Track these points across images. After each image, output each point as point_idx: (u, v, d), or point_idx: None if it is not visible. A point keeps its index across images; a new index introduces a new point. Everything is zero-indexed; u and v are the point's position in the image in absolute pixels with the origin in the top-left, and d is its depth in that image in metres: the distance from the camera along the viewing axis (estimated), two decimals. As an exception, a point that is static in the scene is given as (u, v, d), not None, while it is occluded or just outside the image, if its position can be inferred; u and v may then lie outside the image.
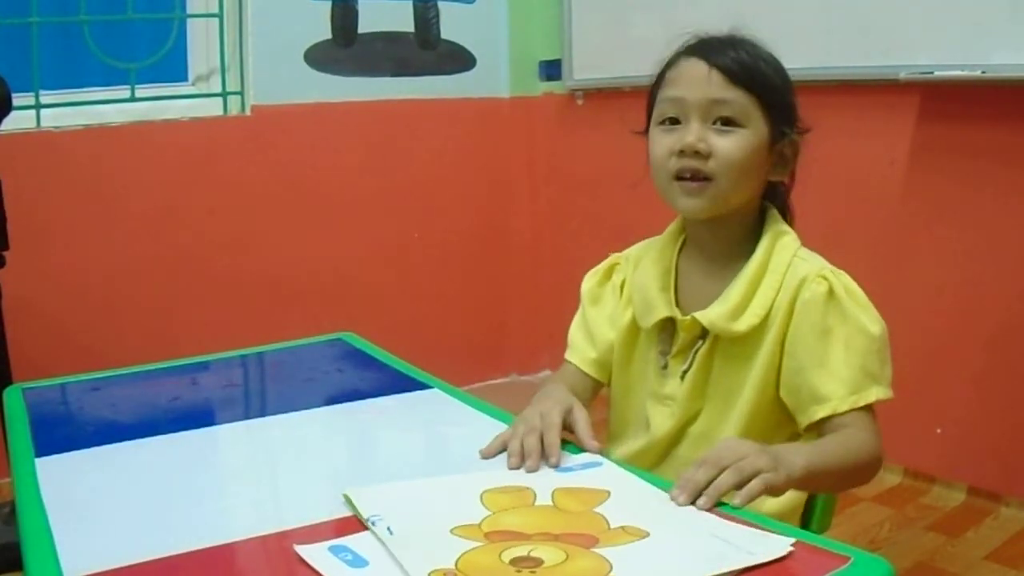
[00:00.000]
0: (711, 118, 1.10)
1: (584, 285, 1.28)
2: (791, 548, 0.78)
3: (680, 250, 1.21)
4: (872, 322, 1.08)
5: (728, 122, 1.10)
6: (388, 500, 0.87)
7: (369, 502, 0.86)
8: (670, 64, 1.16)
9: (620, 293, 1.24)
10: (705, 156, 1.09)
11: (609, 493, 0.91)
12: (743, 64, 1.10)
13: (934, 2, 2.23)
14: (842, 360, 1.06)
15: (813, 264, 1.11)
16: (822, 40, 2.43)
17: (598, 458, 1.00)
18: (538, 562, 0.76)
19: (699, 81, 1.10)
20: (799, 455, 0.96)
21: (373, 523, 0.81)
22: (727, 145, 1.09)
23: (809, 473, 0.95)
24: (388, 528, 0.80)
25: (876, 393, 1.06)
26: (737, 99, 1.10)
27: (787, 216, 1.20)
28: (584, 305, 1.27)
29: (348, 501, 0.89)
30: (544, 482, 0.93)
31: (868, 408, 1.06)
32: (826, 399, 1.06)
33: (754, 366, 1.11)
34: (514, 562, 0.76)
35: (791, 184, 1.20)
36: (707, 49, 1.13)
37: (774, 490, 0.91)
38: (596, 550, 0.78)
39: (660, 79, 1.16)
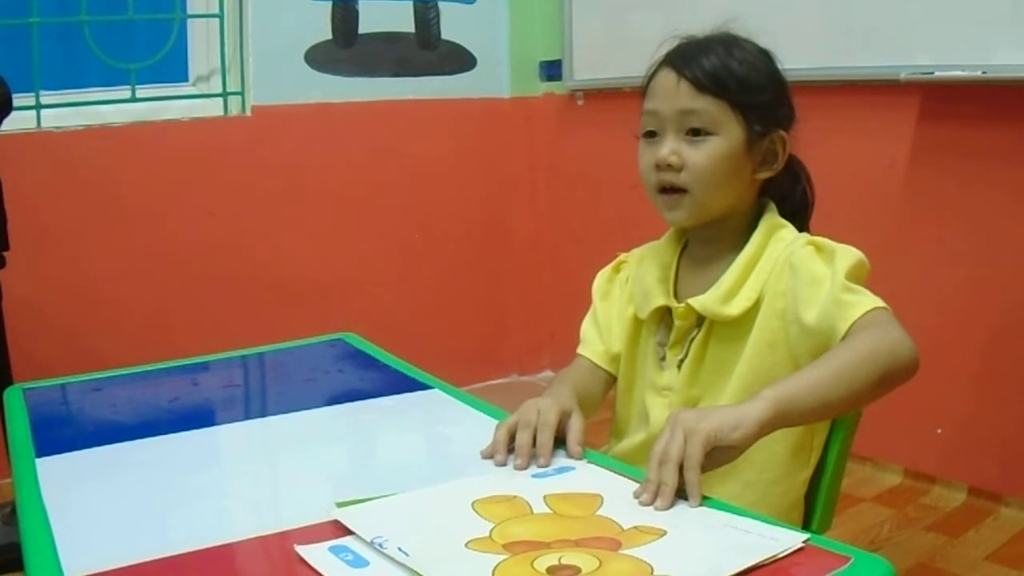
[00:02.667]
0: (683, 129, 1.12)
1: (595, 282, 1.30)
2: (804, 541, 0.78)
3: (682, 251, 1.23)
4: (856, 252, 1.06)
5: (698, 132, 1.11)
6: (383, 519, 0.85)
7: (365, 524, 0.83)
8: (651, 75, 1.17)
9: (625, 289, 1.26)
10: (677, 169, 1.11)
11: (602, 496, 0.90)
12: (710, 71, 1.11)
13: (934, 2, 2.23)
14: (835, 286, 1.03)
15: (803, 238, 1.12)
16: (822, 40, 2.43)
17: (570, 462, 1.00)
18: (575, 569, 0.75)
19: (670, 92, 1.12)
20: (760, 397, 0.91)
21: (381, 546, 0.79)
22: (697, 156, 1.11)
23: (786, 400, 0.91)
24: (400, 549, 0.78)
25: (873, 301, 1.02)
26: (705, 107, 1.10)
27: (806, 207, 1.21)
28: (595, 301, 1.29)
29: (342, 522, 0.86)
30: (529, 490, 0.92)
31: (877, 310, 1.01)
32: (833, 328, 1.01)
33: (747, 344, 1.11)
34: (550, 571, 0.75)
35: (807, 177, 1.21)
36: (679, 58, 1.13)
37: (727, 454, 0.88)
38: (625, 552, 0.78)
39: (644, 89, 1.18)
